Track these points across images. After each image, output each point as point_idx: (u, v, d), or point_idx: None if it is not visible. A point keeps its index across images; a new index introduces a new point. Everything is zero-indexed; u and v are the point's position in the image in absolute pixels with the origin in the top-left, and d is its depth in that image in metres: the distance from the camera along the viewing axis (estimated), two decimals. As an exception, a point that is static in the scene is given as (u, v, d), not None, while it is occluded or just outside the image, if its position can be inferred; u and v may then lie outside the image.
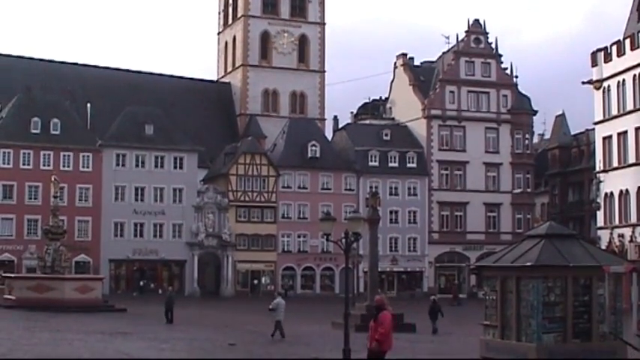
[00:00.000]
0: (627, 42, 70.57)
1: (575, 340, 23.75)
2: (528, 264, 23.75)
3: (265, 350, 32.43)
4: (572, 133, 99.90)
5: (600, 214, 73.75)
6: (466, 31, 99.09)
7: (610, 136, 72.05)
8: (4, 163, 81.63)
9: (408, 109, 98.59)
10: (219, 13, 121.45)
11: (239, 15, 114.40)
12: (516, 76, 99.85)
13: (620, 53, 70.85)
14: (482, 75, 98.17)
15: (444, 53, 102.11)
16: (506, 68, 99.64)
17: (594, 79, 73.49)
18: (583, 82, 75.00)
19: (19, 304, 53.99)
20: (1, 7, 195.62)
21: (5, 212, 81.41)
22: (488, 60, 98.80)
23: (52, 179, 61.80)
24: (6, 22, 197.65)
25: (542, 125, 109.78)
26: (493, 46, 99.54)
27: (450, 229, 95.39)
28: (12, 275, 65.41)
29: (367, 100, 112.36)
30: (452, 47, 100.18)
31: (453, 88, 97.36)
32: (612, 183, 71.30)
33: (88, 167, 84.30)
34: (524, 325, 23.91)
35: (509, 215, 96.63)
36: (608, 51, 72.64)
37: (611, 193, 71.42)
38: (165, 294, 49.47)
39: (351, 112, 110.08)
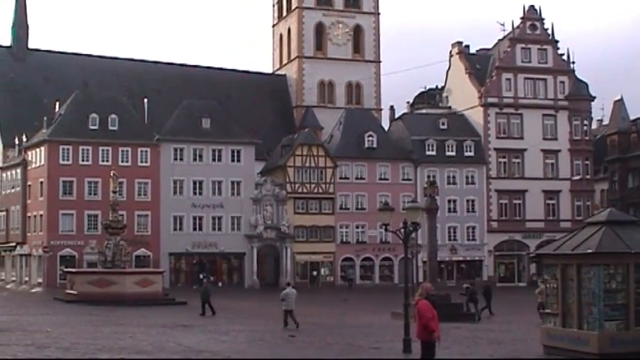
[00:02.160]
0: (686, 25, 69.78)
1: (637, 328, 23.48)
2: (589, 251, 23.51)
3: (325, 342, 32.42)
4: (631, 118, 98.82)
5: (661, 200, 73.09)
6: (521, 18, 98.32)
7: (670, 121, 71.29)
8: (63, 160, 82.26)
9: (464, 97, 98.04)
10: (274, 6, 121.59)
11: (293, 7, 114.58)
12: (573, 62, 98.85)
13: (680, 36, 69.93)
14: (538, 61, 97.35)
15: (499, 40, 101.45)
16: (563, 54, 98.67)
17: (653, 63, 72.62)
18: (642, 67, 74.14)
19: (81, 299, 54.68)
20: (57, 5, 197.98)
21: (65, 208, 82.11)
22: (545, 46, 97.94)
23: (111, 174, 62.49)
24: (62, 19, 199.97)
25: (601, 111, 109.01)
26: (549, 32, 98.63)
27: (509, 217, 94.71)
28: (73, 270, 66.48)
29: (423, 89, 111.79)
30: (507, 34, 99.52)
31: (510, 76, 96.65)
32: (673, 168, 70.56)
33: (146, 162, 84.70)
34: (586, 313, 23.69)
35: (569, 202, 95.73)
36: (667, 34, 71.71)
37: (672, 178, 70.71)
38: (201, 287, 49.55)
39: (407, 102, 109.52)
